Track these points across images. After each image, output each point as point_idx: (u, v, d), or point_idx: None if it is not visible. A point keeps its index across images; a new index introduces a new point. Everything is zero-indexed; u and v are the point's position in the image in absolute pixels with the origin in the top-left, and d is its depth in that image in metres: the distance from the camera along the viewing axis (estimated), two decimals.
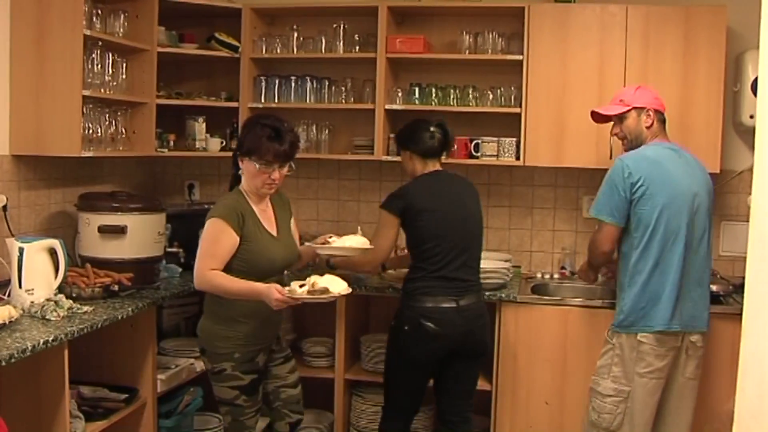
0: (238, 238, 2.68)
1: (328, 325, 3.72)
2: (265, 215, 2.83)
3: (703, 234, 3.00)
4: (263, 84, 4.01)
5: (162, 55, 3.73)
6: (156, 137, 3.79)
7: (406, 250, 3.25)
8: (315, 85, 4.00)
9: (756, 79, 1.75)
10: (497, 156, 3.83)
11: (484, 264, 3.60)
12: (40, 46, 3.16)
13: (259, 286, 2.61)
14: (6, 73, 3.18)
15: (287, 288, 2.59)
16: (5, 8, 3.16)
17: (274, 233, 2.83)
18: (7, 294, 2.90)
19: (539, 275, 3.99)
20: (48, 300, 2.80)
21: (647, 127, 3.05)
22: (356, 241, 2.96)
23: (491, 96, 3.86)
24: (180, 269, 3.65)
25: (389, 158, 3.86)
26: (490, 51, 3.83)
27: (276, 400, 2.96)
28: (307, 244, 3.03)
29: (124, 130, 3.57)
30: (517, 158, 3.78)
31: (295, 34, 4.00)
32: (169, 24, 3.86)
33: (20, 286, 2.85)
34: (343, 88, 4.00)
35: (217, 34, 3.95)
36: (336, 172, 4.27)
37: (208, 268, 2.66)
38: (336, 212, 4.27)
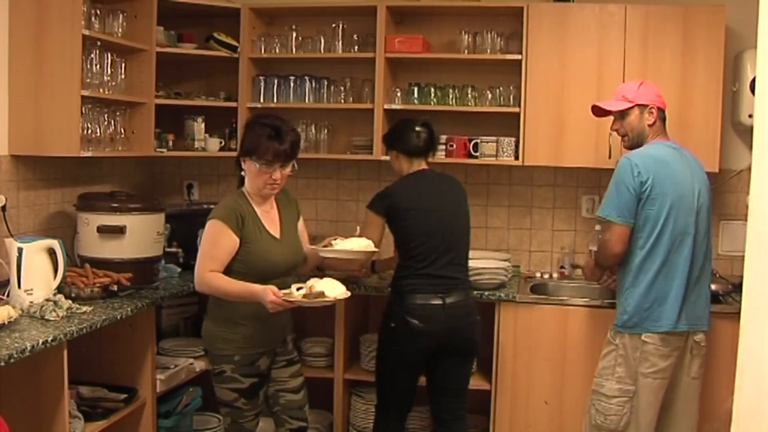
0: (237, 240, 2.67)
1: (327, 325, 3.71)
2: (268, 217, 2.80)
3: (705, 233, 2.99)
4: (262, 84, 4.01)
5: (161, 55, 3.73)
6: (155, 137, 3.79)
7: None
8: (314, 85, 3.99)
9: (755, 79, 1.75)
10: (496, 156, 3.83)
11: (484, 263, 3.62)
12: (38, 46, 3.16)
13: (255, 287, 2.59)
14: (5, 73, 3.18)
15: (284, 291, 2.56)
16: (4, 8, 3.16)
17: (277, 235, 2.79)
18: (6, 294, 2.89)
19: (538, 275, 3.99)
20: (47, 300, 2.80)
21: (649, 125, 3.01)
22: (359, 243, 2.92)
23: (490, 96, 3.86)
24: (179, 269, 3.65)
25: (388, 158, 3.84)
26: (489, 51, 3.83)
27: (275, 404, 2.90)
28: (310, 246, 2.99)
29: (122, 130, 3.57)
30: (516, 158, 3.78)
31: (294, 34, 4.00)
32: (168, 24, 3.86)
33: (19, 287, 2.85)
34: (342, 88, 4.00)
35: (215, 34, 3.95)
36: (335, 172, 4.27)
37: (207, 270, 2.65)
38: (335, 212, 4.27)
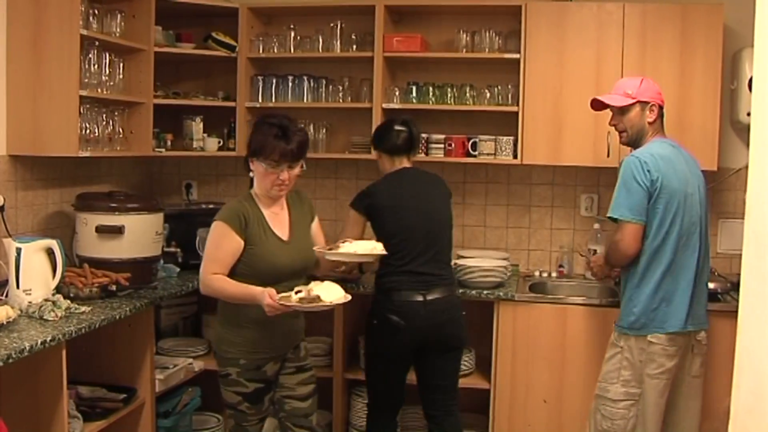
0: (241, 242, 2.64)
1: (326, 325, 3.71)
2: (277, 219, 2.76)
3: (706, 232, 2.99)
4: (260, 83, 4.01)
5: (159, 54, 3.73)
6: (153, 137, 3.79)
7: None
8: (312, 85, 3.99)
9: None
10: (495, 154, 3.83)
11: (483, 262, 3.62)
12: (36, 46, 3.15)
13: (255, 290, 2.57)
14: (3, 73, 3.18)
15: (282, 294, 2.53)
16: (2, 8, 3.16)
17: (285, 237, 2.74)
18: (4, 294, 2.89)
19: (537, 274, 3.99)
20: (46, 300, 2.80)
21: (650, 123, 2.98)
22: (365, 246, 2.83)
23: (488, 94, 3.86)
24: (178, 269, 3.64)
25: None
26: (487, 49, 3.83)
27: (281, 410, 2.86)
28: (315, 248, 2.83)
29: (121, 130, 3.57)
30: (515, 157, 3.78)
31: (292, 34, 4.00)
32: (166, 24, 3.86)
33: (18, 287, 2.84)
34: (340, 87, 4.00)
35: (214, 34, 3.95)
36: (333, 172, 4.27)
37: (210, 273, 2.64)
38: (334, 212, 4.27)
